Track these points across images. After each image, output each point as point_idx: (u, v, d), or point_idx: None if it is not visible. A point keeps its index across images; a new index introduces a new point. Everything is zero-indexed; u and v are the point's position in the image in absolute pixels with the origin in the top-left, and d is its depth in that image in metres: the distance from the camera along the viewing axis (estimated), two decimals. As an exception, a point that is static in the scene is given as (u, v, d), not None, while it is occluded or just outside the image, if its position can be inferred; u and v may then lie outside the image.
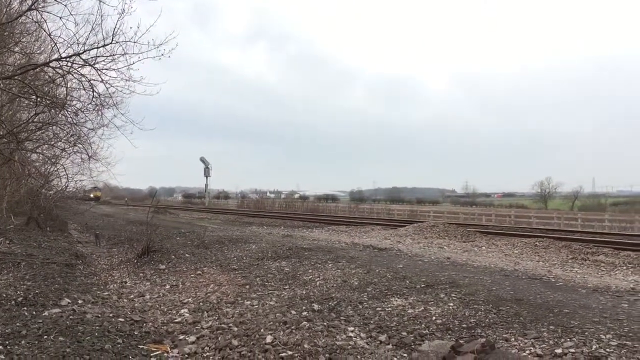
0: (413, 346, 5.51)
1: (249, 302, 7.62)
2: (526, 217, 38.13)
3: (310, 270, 9.71)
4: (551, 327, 5.76)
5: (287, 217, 33.63)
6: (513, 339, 5.50)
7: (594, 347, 5.06)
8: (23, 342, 5.03)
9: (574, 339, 5.34)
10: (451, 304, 6.94)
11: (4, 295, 6.86)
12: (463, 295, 7.33)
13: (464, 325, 6.04)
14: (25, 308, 6.50)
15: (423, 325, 6.14)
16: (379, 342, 5.77)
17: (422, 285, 8.07)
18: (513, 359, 4.62)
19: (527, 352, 5.11)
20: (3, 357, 4.60)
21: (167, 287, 9.41)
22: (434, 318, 6.39)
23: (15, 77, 10.98)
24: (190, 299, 8.21)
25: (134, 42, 10.65)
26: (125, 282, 9.96)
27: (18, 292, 7.18)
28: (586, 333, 5.47)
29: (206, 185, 69.68)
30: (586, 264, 11.80)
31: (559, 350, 5.05)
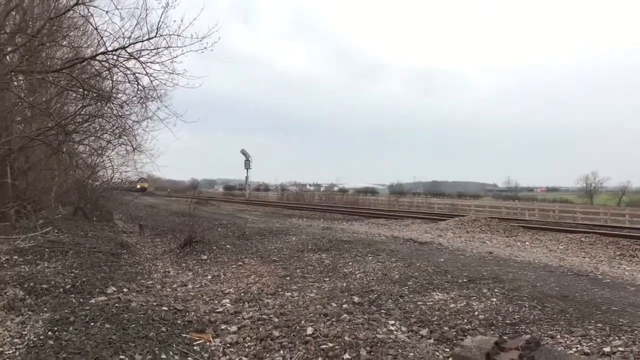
0: (455, 341, 5.45)
1: (289, 294, 7.66)
2: (571, 212, 37.23)
3: (350, 263, 9.70)
4: (599, 325, 5.60)
5: (326, 210, 33.68)
6: (559, 336, 5.38)
7: (645, 346, 4.90)
8: (71, 328, 5.17)
9: (622, 337, 5.18)
10: (494, 300, 6.83)
11: (53, 283, 7.05)
12: (506, 291, 7.20)
13: (508, 321, 5.93)
14: (72, 295, 6.68)
15: (465, 321, 6.05)
16: (420, 336, 5.72)
17: (464, 280, 7.95)
18: (559, 357, 4.50)
19: (574, 349, 4.99)
20: (52, 342, 4.73)
21: (209, 277, 9.54)
22: (476, 313, 6.30)
23: (64, 71, 11.26)
24: (231, 290, 8.30)
25: (178, 36, 10.83)
26: (169, 272, 10.14)
27: (66, 279, 7.38)
28: (636, 332, 5.30)
29: (247, 177, 70.36)
30: (635, 261, 11.44)
31: (607, 349, 4.92)
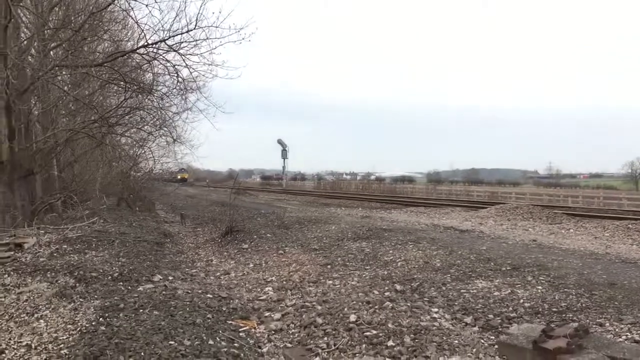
0: (500, 329, 5.41)
1: (330, 282, 7.71)
2: (616, 199, 36.18)
3: (390, 251, 9.68)
4: (649, 312, 5.47)
5: (364, 199, 33.62)
6: (608, 324, 5.28)
7: (698, 334, 4.78)
8: (121, 314, 5.31)
9: (675, 325, 5.05)
10: (539, 287, 6.73)
11: (101, 271, 7.25)
12: (552, 279, 7.08)
13: (554, 309, 5.85)
14: (121, 283, 6.86)
15: (510, 308, 5.99)
16: (464, 324, 5.70)
17: (508, 268, 7.86)
18: (608, 344, 4.43)
19: (624, 337, 4.90)
20: (104, 328, 4.87)
21: (251, 265, 9.67)
22: (521, 301, 6.22)
23: (105, 64, 11.49)
24: (273, 278, 8.40)
25: (216, 27, 10.91)
26: (211, 260, 10.31)
27: (114, 268, 7.58)
28: (688, 320, 5.17)
29: (283, 167, 70.75)
30: (685, 248, 11.09)
31: (658, 337, 4.81)
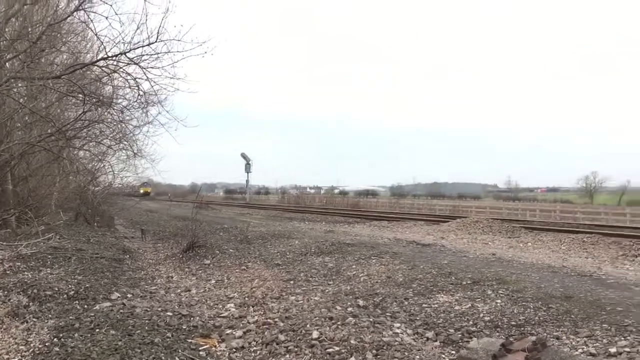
0: (461, 343, 5.46)
1: (293, 298, 7.66)
2: (572, 213, 37.19)
3: (354, 266, 9.70)
4: (604, 325, 5.61)
5: (328, 213, 33.69)
6: (564, 337, 5.39)
7: (651, 346, 4.91)
8: (76, 335, 5.17)
9: (629, 337, 5.19)
10: (499, 301, 6.83)
11: (57, 289, 7.05)
12: (511, 292, 7.20)
13: (513, 323, 5.94)
14: (77, 302, 6.67)
15: (471, 322, 6.06)
16: (425, 338, 5.73)
17: (469, 282, 7.96)
18: (565, 357, 4.50)
19: (580, 350, 5.00)
20: (58, 349, 4.73)
21: (213, 281, 9.55)
22: (481, 315, 6.30)
23: (64, 77, 11.26)
24: (235, 294, 8.30)
25: (178, 40, 10.80)
26: (172, 277, 10.14)
27: (70, 285, 7.37)
28: (642, 332, 5.30)
29: (247, 180, 70.41)
30: (637, 261, 11.43)
31: (613, 350, 4.92)
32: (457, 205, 50.14)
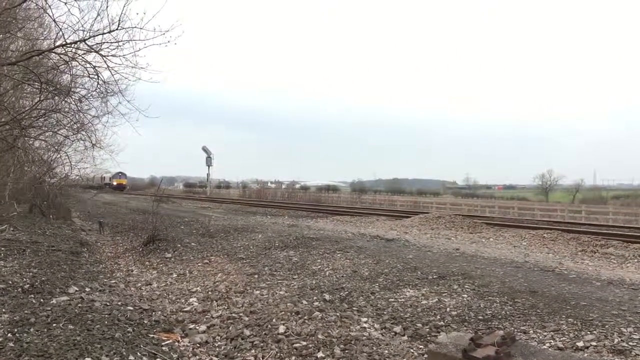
0: (429, 338, 5.42)
1: (258, 292, 7.53)
2: (529, 210, 37.97)
3: (319, 260, 9.61)
4: (570, 319, 5.65)
5: (290, 207, 33.51)
6: (532, 332, 5.41)
7: (616, 340, 4.97)
8: (32, 329, 4.93)
9: (594, 332, 5.24)
10: (465, 296, 6.84)
11: (11, 283, 6.75)
12: (477, 287, 7.22)
13: (480, 317, 5.94)
14: (32, 295, 6.39)
15: (438, 317, 6.04)
16: (393, 333, 5.67)
17: (434, 277, 7.95)
18: (535, 352, 4.50)
19: (548, 344, 5.02)
20: (12, 344, 4.50)
21: (174, 275, 9.32)
22: (448, 309, 6.29)
23: (19, 63, 10.82)
24: (198, 288, 8.12)
25: (140, 29, 10.47)
26: (132, 271, 9.88)
27: (24, 279, 7.08)
28: (606, 326, 5.37)
29: (208, 174, 69.49)
30: (596, 257, 11.67)
31: (580, 344, 4.96)
32: (418, 202, 50.55)
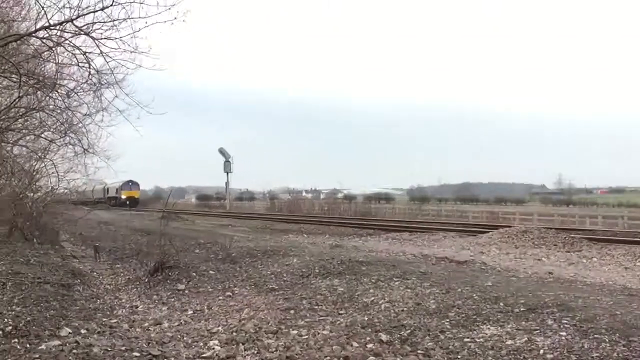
0: (518, 389, 5.36)
1: (295, 332, 7.57)
2: (644, 219, 37.11)
3: (371, 290, 9.62)
4: None
5: (331, 223, 33.63)
6: (653, 380, 5.28)
7: None
8: (18, 383, 5.07)
9: None
10: (563, 333, 6.73)
11: (-11, 324, 6.96)
12: (578, 322, 7.09)
13: (585, 362, 5.84)
14: (16, 340, 6.56)
15: (529, 362, 5.96)
16: (471, 383, 5.62)
17: (522, 309, 7.86)
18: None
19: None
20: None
21: (190, 312, 9.45)
22: (542, 352, 6.20)
23: (-7, 52, 11.15)
24: (220, 328, 8.21)
25: (140, 3, 10.61)
26: (137, 307, 10.05)
27: (6, 319, 7.28)
28: None
29: (227, 183, 70.31)
30: None
31: None
32: (496, 212, 50.14)
